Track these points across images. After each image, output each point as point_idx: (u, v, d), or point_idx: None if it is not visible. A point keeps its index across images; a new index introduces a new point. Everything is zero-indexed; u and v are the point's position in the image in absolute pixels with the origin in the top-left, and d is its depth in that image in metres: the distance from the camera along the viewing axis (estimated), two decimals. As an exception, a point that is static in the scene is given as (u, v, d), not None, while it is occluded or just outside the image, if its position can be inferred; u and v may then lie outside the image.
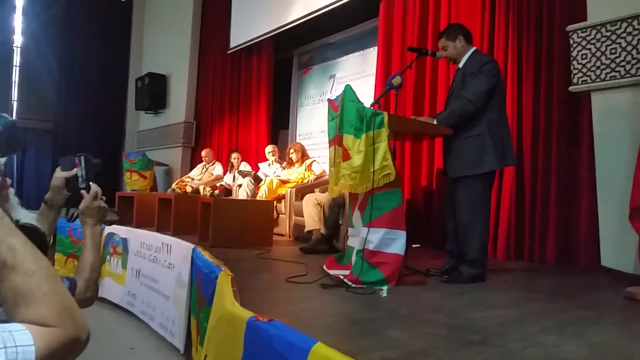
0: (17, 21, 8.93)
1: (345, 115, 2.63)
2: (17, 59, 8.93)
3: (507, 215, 3.69)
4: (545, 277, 3.04)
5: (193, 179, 6.45)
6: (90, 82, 9.35)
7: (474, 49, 2.98)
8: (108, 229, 4.51)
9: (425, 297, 2.36)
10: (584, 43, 3.24)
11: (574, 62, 3.29)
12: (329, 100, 2.95)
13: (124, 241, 4.40)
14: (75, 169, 1.49)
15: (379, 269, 2.53)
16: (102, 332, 3.69)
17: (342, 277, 2.55)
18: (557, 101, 3.52)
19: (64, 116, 9.23)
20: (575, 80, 3.28)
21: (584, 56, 3.24)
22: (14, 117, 8.84)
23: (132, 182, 7.66)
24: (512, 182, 3.68)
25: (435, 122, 2.81)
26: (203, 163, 6.87)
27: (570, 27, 3.31)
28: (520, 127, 3.70)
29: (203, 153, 6.91)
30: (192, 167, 7.44)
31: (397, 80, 2.85)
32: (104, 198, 1.47)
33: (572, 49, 3.30)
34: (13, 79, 8.88)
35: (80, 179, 1.48)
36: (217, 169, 6.66)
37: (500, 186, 3.77)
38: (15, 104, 8.89)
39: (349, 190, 2.66)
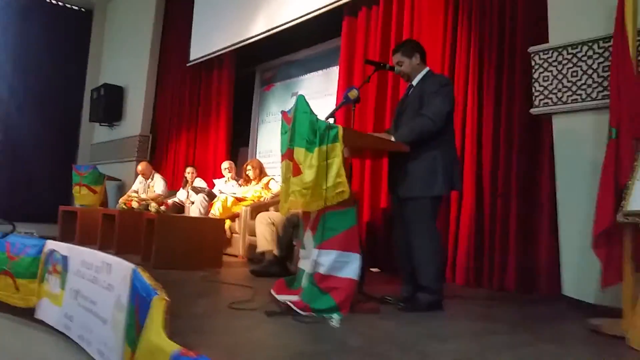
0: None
1: (297, 127, 2.45)
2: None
3: (467, 240, 3.57)
4: (505, 306, 2.90)
5: (138, 194, 6.12)
6: (44, 91, 8.94)
7: (427, 68, 2.90)
8: (49, 245, 4.17)
9: (378, 327, 2.17)
10: (545, 65, 3.18)
11: (536, 84, 3.22)
12: (282, 112, 2.77)
13: (64, 259, 4.07)
14: None
15: (330, 294, 2.33)
16: (36, 358, 3.34)
17: (290, 304, 2.34)
18: (517, 124, 3.45)
19: (14, 125, 8.72)
20: (536, 103, 3.21)
21: (545, 78, 3.18)
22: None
23: (81, 197, 7.23)
24: (472, 205, 3.58)
25: (392, 139, 2.66)
26: (141, 177, 6.53)
27: (532, 49, 3.25)
28: (480, 149, 3.62)
29: (139, 167, 6.55)
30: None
31: (353, 94, 2.70)
32: None
33: (533, 70, 3.24)
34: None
35: None
36: (158, 184, 6.31)
37: (459, 210, 3.66)
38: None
39: (300, 208, 2.48)
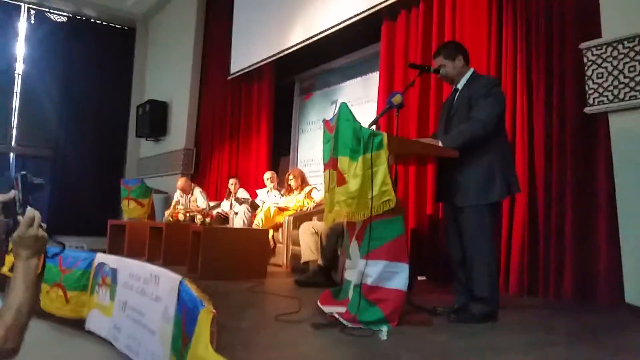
0: (19, 48, 8.91)
1: (340, 136, 2.40)
2: (18, 86, 8.86)
3: (520, 247, 3.41)
4: (563, 316, 2.74)
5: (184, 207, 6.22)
6: (91, 108, 9.29)
7: (472, 70, 2.78)
8: (98, 258, 4.29)
9: (430, 340, 2.08)
10: (599, 61, 3.02)
11: (589, 82, 3.07)
12: (324, 120, 2.73)
13: (113, 271, 4.17)
14: (13, 191, 1.26)
15: (378, 306, 2.26)
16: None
17: (337, 316, 2.28)
18: (571, 123, 3.27)
19: (64, 143, 9.12)
20: (591, 101, 3.05)
21: (599, 75, 3.02)
22: (13, 143, 8.75)
23: (130, 210, 7.45)
24: (525, 211, 3.41)
25: (440, 144, 2.57)
26: (179, 192, 6.65)
27: (583, 45, 3.10)
28: (532, 152, 3.46)
29: (179, 183, 6.67)
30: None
31: (397, 99, 2.63)
32: (43, 226, 1.23)
33: (586, 67, 3.08)
34: (14, 106, 8.80)
35: (17, 203, 1.24)
36: (199, 199, 6.39)
37: (511, 216, 3.51)
38: (14, 131, 8.79)
39: (345, 218, 2.42)
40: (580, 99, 3.16)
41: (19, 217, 1.20)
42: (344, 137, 2.38)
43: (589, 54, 3.06)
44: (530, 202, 3.41)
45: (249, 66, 6.89)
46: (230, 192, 5.96)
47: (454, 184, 2.60)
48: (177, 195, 6.66)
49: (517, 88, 3.57)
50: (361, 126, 2.38)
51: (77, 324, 4.09)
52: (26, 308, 1.11)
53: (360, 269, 2.31)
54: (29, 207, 1.23)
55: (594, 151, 3.17)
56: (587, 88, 3.06)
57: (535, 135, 3.45)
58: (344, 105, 2.44)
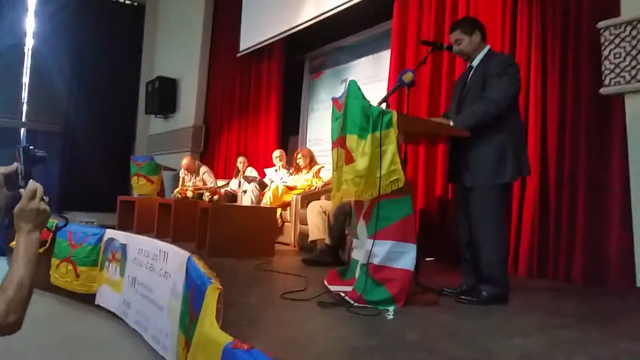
0: (29, 23, 8.88)
1: (349, 114, 2.36)
2: (28, 61, 8.86)
3: (530, 229, 3.37)
4: (573, 299, 2.72)
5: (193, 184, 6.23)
6: (101, 85, 9.28)
7: (488, 47, 2.69)
8: (108, 234, 4.32)
9: (437, 321, 2.07)
10: (617, 41, 2.94)
11: (606, 62, 2.99)
12: (333, 98, 2.68)
13: (123, 247, 4.20)
14: (15, 164, 1.24)
15: (385, 286, 2.25)
16: (95, 343, 3.48)
17: (343, 295, 2.28)
18: (585, 104, 3.20)
19: (74, 119, 9.16)
20: (606, 82, 2.97)
21: (617, 55, 2.94)
22: (24, 118, 8.78)
23: (139, 187, 7.48)
24: (536, 193, 3.37)
25: (451, 123, 2.52)
26: (184, 171, 6.62)
27: (601, 24, 3.01)
28: (545, 133, 3.40)
29: (183, 162, 6.62)
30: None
31: (408, 77, 2.58)
32: (45, 199, 1.22)
33: (603, 47, 3.00)
34: (23, 81, 8.81)
35: (20, 176, 1.23)
36: (207, 178, 6.36)
37: (522, 197, 3.46)
38: (25, 106, 8.81)
39: (352, 197, 2.39)
40: (596, 79, 3.08)
41: (21, 190, 1.20)
42: (352, 114, 2.35)
43: (606, 33, 2.98)
44: (541, 184, 3.36)
45: (259, 43, 6.80)
46: (238, 171, 5.95)
47: (465, 163, 2.55)
48: (182, 174, 6.65)
49: (531, 67, 3.49)
50: (370, 104, 2.33)
51: (87, 299, 4.15)
52: (28, 282, 1.10)
53: (368, 248, 2.30)
54: (31, 180, 1.22)
55: (609, 134, 3.10)
56: (603, 68, 2.99)
57: (548, 116, 3.39)
58: (353, 83, 2.40)
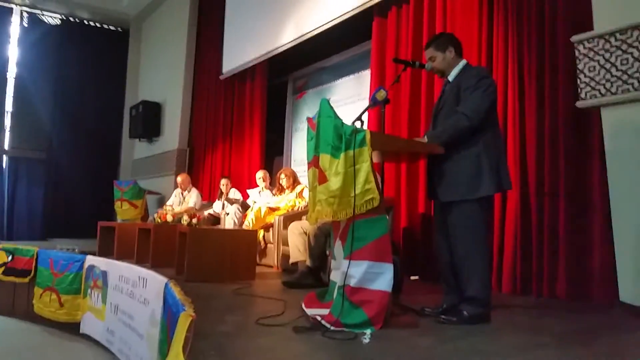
0: (12, 51, 8.84)
1: (321, 133, 2.33)
2: (11, 89, 8.79)
3: (512, 245, 3.34)
4: (556, 316, 2.65)
5: (172, 208, 6.15)
6: (85, 110, 9.26)
7: (464, 61, 2.66)
8: (88, 261, 4.22)
9: (414, 344, 2.00)
10: (591, 54, 2.94)
11: (581, 76, 2.99)
12: (307, 118, 2.65)
13: (104, 274, 4.10)
14: None
15: (362, 308, 2.18)
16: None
17: (319, 319, 2.20)
18: (563, 118, 3.20)
19: (57, 145, 9.09)
20: (582, 95, 2.97)
21: (591, 68, 2.94)
22: (7, 146, 8.69)
23: (123, 212, 7.39)
24: (517, 207, 3.34)
25: (425, 140, 2.49)
26: (179, 190, 6.60)
27: (575, 38, 3.02)
28: (524, 147, 3.39)
29: (179, 179, 6.65)
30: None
31: (381, 95, 2.55)
32: None
33: (578, 61, 3.01)
34: (6, 109, 8.73)
35: None
36: (192, 197, 6.37)
37: (503, 212, 3.44)
38: (7, 134, 8.72)
39: (327, 217, 2.34)
40: (572, 93, 3.09)
41: None
42: (325, 134, 2.31)
43: (580, 47, 2.99)
44: (522, 198, 3.34)
45: (241, 65, 6.82)
46: (222, 193, 5.89)
47: (440, 178, 2.51)
48: (173, 196, 6.60)
49: (508, 82, 3.51)
50: (343, 123, 2.30)
51: (72, 328, 4.03)
52: None
53: (344, 269, 2.24)
54: None
55: (587, 147, 3.09)
56: (579, 82, 2.99)
57: (527, 129, 3.38)
58: (324, 102, 2.37)
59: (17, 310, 4.05)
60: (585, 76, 2.97)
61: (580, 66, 2.99)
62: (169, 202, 6.53)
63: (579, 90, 2.98)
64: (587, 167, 3.08)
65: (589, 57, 2.96)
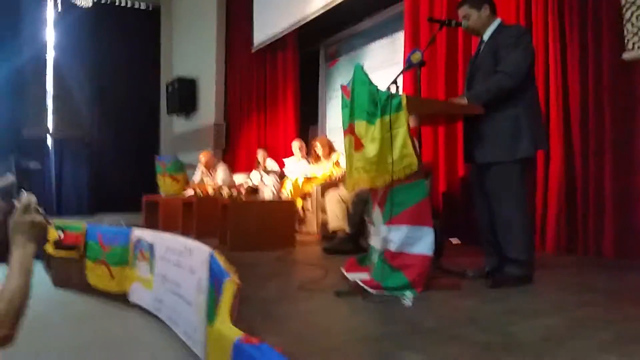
0: (49, 35, 9.06)
1: (356, 100, 2.31)
2: (50, 72, 9.05)
3: (557, 204, 3.25)
4: (602, 275, 2.60)
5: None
6: (122, 89, 9.44)
7: (499, 20, 2.56)
8: (135, 234, 4.40)
9: (457, 306, 2.01)
10: (639, 2, 2.78)
11: (628, 25, 2.84)
12: (342, 86, 2.62)
13: (151, 246, 4.28)
14: (10, 176, 1.24)
15: (403, 272, 2.20)
16: (131, 339, 3.54)
17: (360, 283, 2.24)
18: (608, 72, 3.05)
19: (98, 124, 9.34)
20: (629, 46, 2.83)
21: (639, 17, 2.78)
22: (50, 128, 9.00)
23: (166, 186, 7.57)
24: (561, 166, 3.25)
25: (465, 101, 2.43)
26: (203, 169, 6.46)
27: (621, -15, 2.86)
28: (567, 103, 3.26)
29: (202, 158, 6.47)
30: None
31: (416, 57, 2.49)
32: (41, 211, 1.19)
33: (624, 10, 2.85)
34: (48, 92, 9.02)
35: (14, 188, 1.22)
36: (220, 174, 6.21)
37: (547, 171, 3.35)
38: (50, 116, 9.03)
39: (365, 184, 2.34)
40: (618, 45, 2.94)
41: (15, 202, 1.19)
42: (360, 100, 2.29)
43: (627, -6, 2.83)
44: (566, 156, 3.24)
45: (272, 36, 6.78)
46: (259, 163, 5.95)
47: (478, 140, 2.46)
48: (200, 173, 6.55)
49: (549, 38, 3.36)
50: (378, 88, 2.27)
51: (124, 298, 4.25)
52: (19, 295, 1.07)
53: (383, 235, 2.25)
54: (23, 192, 1.21)
55: (634, 101, 2.95)
56: (625, 32, 2.84)
57: (569, 85, 3.25)
58: (358, 67, 2.34)
59: (72, 283, 4.28)
60: (633, 26, 2.82)
61: (627, 15, 2.84)
62: (195, 180, 6.57)
63: (626, 41, 2.84)
64: (634, 123, 2.95)
65: (637, 5, 2.80)
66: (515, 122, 2.37)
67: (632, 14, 2.83)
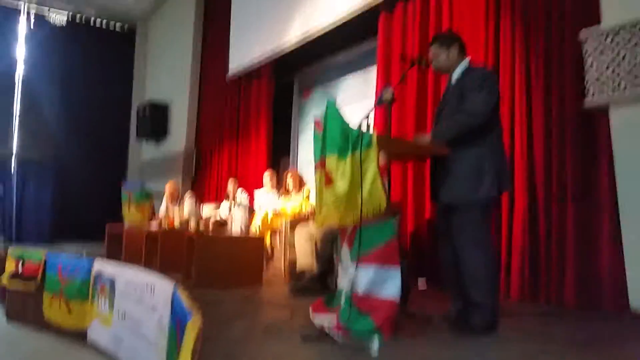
0: (20, 52, 8.87)
1: (328, 134, 2.30)
2: (18, 90, 8.82)
3: (520, 249, 3.25)
4: (564, 324, 2.60)
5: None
6: (92, 111, 9.26)
7: (467, 60, 2.61)
8: (96, 267, 4.23)
9: (421, 353, 1.97)
10: (599, 50, 2.88)
11: (589, 73, 2.92)
12: (315, 119, 2.61)
13: (111, 280, 4.11)
14: None
15: (370, 316, 2.15)
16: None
17: (327, 326, 2.18)
18: (570, 118, 3.11)
19: (65, 146, 9.07)
20: (590, 94, 2.91)
21: (599, 65, 2.88)
22: (14, 148, 8.72)
23: (131, 215, 7.37)
24: (525, 210, 3.26)
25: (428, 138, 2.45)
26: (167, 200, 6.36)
27: (583, 34, 2.96)
28: (531, 148, 3.31)
29: (167, 188, 6.38)
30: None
31: (387, 94, 2.51)
32: None
33: (585, 57, 2.94)
34: (15, 110, 8.77)
35: None
36: (186, 205, 5.98)
37: (511, 215, 3.36)
38: (15, 135, 8.76)
39: (334, 221, 2.31)
40: (580, 92, 3.02)
41: None
42: (332, 135, 2.29)
43: (587, 43, 2.92)
44: (530, 201, 3.26)
45: (247, 65, 6.80)
46: (228, 195, 5.86)
47: (443, 179, 2.47)
48: (164, 203, 6.41)
49: (515, 81, 3.44)
50: (349, 124, 2.27)
51: (80, 335, 4.05)
52: None
53: (351, 275, 2.21)
54: None
55: (596, 147, 3.01)
56: (586, 80, 2.93)
57: (534, 129, 3.31)
58: (330, 103, 2.34)
59: (27, 318, 4.06)
60: (593, 74, 2.91)
61: (588, 63, 2.93)
62: (160, 212, 6.42)
63: (586, 89, 2.92)
64: (596, 168, 2.99)
65: (597, 53, 2.89)
66: (478, 161, 2.38)
67: (592, 62, 2.92)
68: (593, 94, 2.88)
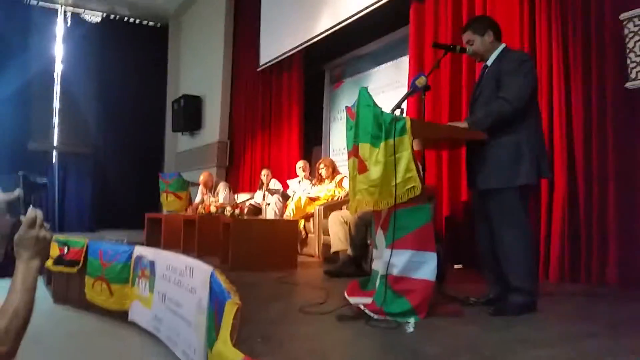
0: (58, 49, 9.18)
1: (361, 122, 2.32)
2: (57, 86, 9.15)
3: (560, 231, 3.22)
4: (606, 304, 2.57)
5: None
6: (128, 105, 9.56)
7: (503, 45, 2.58)
8: (137, 251, 4.39)
9: (460, 333, 1.99)
10: (641, 31, 2.81)
11: (631, 55, 2.86)
12: (346, 107, 2.64)
13: (151, 264, 4.25)
14: (18, 190, 1.25)
15: (406, 297, 2.18)
16: (128, 359, 3.51)
17: (362, 307, 2.22)
18: (611, 100, 3.06)
19: (103, 140, 9.43)
20: (632, 75, 2.84)
21: (642, 46, 2.81)
22: (55, 142, 9.06)
23: (169, 203, 7.59)
24: (564, 193, 3.23)
25: (465, 126, 2.45)
26: (202, 188, 6.60)
27: (624, 15, 2.88)
28: (571, 130, 3.26)
29: (201, 178, 6.65)
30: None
31: (421, 81, 2.51)
32: (46, 226, 1.20)
33: (627, 39, 2.87)
34: (54, 106, 9.10)
35: (20, 202, 1.23)
36: (221, 193, 6.35)
37: (550, 198, 3.33)
38: (56, 130, 9.09)
39: (368, 207, 2.34)
40: (621, 73, 2.95)
41: (21, 217, 1.19)
42: (364, 123, 2.31)
43: (630, 24, 2.86)
44: (570, 184, 3.22)
45: (278, 56, 6.88)
46: (262, 183, 5.97)
47: (479, 166, 2.46)
48: (199, 193, 6.65)
49: (552, 65, 3.38)
50: (382, 111, 2.28)
51: (122, 316, 4.22)
52: (24, 311, 1.07)
53: (386, 259, 2.24)
54: (30, 207, 1.22)
55: (637, 130, 2.95)
56: (628, 61, 2.86)
57: (573, 114, 3.25)
58: (363, 91, 2.36)
59: (71, 299, 4.25)
60: (635, 55, 2.84)
61: (629, 44, 2.86)
62: (196, 200, 6.59)
63: (629, 70, 2.86)
64: (636, 150, 2.94)
65: (639, 35, 2.82)
66: (516, 148, 2.36)
67: (635, 44, 2.85)
68: (636, 76, 2.81)
